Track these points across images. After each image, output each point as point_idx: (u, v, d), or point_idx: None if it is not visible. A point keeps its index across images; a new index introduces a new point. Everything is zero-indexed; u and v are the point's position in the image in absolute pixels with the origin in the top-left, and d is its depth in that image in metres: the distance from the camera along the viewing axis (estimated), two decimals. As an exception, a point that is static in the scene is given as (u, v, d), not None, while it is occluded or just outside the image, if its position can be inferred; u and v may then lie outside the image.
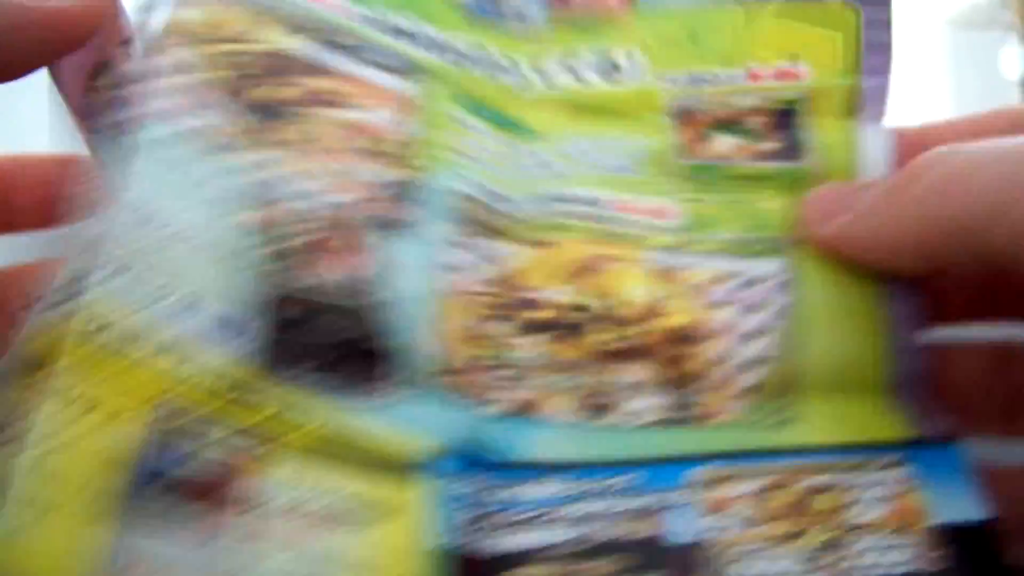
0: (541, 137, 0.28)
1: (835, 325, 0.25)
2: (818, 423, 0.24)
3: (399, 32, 0.28)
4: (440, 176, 0.26)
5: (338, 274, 0.24)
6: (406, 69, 0.27)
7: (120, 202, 0.22)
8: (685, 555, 0.22)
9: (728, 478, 0.23)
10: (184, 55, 0.24)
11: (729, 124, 0.27)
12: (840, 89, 0.27)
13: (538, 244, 0.26)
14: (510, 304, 0.25)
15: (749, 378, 0.24)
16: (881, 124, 0.27)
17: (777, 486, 0.23)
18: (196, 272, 0.22)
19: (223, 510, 0.20)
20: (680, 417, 0.24)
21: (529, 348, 0.24)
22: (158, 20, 0.25)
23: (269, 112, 0.25)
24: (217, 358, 0.21)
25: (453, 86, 0.28)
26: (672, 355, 0.25)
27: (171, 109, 0.23)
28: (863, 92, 0.27)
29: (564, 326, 0.25)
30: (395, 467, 0.22)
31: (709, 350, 0.24)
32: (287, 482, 0.21)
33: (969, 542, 0.22)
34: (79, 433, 0.19)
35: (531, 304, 0.25)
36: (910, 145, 0.26)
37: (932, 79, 0.93)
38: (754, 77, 0.28)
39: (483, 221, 0.26)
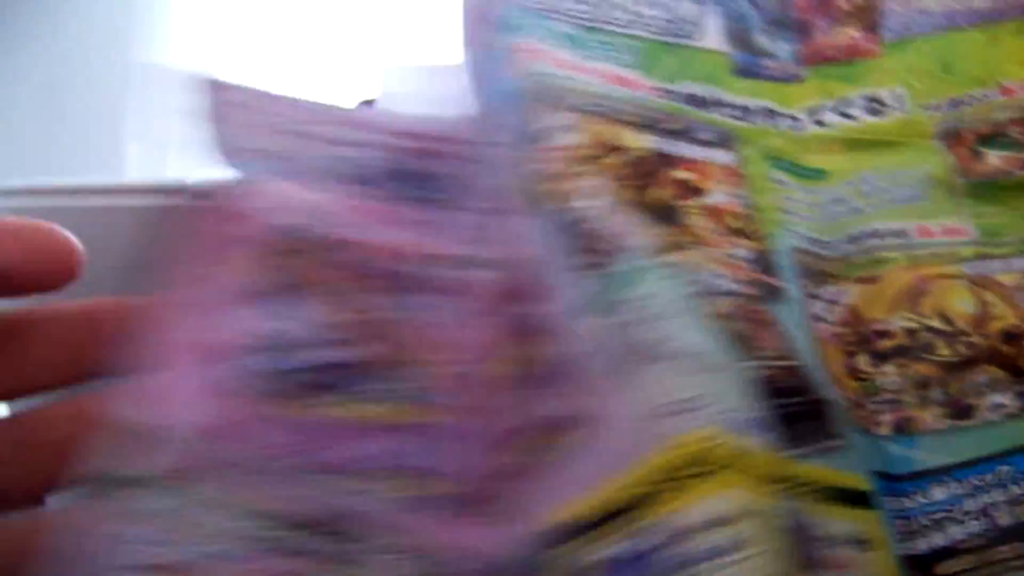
0: (832, 176, 0.31)
1: None
2: None
3: (694, 99, 0.31)
4: (778, 238, 0.30)
5: (767, 348, 0.28)
6: (722, 140, 0.31)
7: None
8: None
9: None
10: (592, 183, 0.27)
11: (994, 137, 0.31)
12: None
13: (863, 280, 0.30)
14: (865, 337, 0.29)
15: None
16: None
17: None
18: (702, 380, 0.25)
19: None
20: None
21: (893, 373, 0.29)
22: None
23: (663, 214, 0.28)
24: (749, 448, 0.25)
25: (760, 147, 0.31)
26: (1011, 353, 0.29)
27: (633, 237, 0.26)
28: None
29: (917, 347, 0.29)
30: (859, 499, 0.26)
31: (1040, 341, 0.29)
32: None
33: None
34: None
35: (883, 334, 0.29)
36: None
37: None
38: (1007, 92, 0.31)
39: (817, 269, 0.30)
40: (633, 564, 0.23)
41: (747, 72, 0.32)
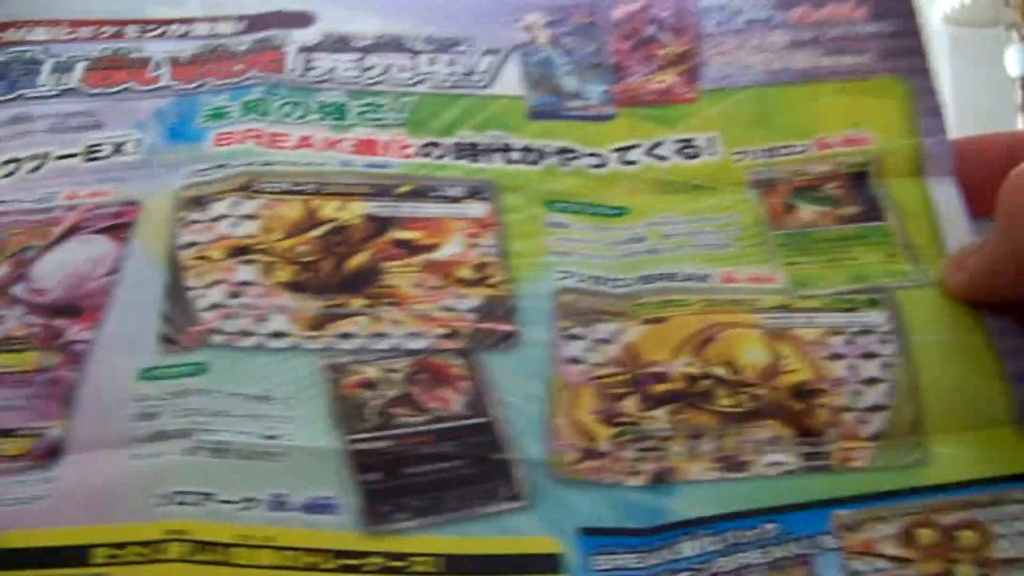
0: (634, 215, 0.30)
1: (948, 365, 0.26)
2: (951, 461, 0.25)
3: (462, 149, 0.31)
4: (534, 282, 0.28)
5: (435, 409, 0.26)
6: (475, 192, 0.30)
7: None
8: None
9: (871, 519, 0.24)
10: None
11: (808, 190, 0.30)
12: (904, 150, 0.30)
13: (650, 320, 0.28)
14: (639, 379, 0.26)
15: (874, 424, 0.26)
16: (947, 178, 0.29)
17: (920, 525, 0.24)
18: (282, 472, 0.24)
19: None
20: (817, 465, 0.25)
21: (664, 419, 0.26)
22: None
23: (357, 280, 0.28)
24: (314, 534, 0.23)
25: (534, 192, 0.30)
26: (799, 409, 0.26)
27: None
28: (926, 151, 0.29)
29: (695, 394, 0.26)
30: (539, 565, 0.23)
31: (832, 401, 0.26)
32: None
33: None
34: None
35: (660, 377, 0.26)
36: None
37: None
38: (824, 145, 0.30)
39: (589, 308, 0.28)
40: None
41: (544, 114, 0.31)
